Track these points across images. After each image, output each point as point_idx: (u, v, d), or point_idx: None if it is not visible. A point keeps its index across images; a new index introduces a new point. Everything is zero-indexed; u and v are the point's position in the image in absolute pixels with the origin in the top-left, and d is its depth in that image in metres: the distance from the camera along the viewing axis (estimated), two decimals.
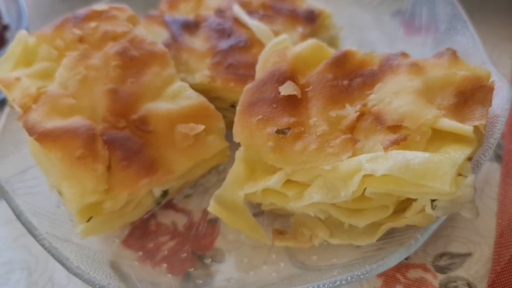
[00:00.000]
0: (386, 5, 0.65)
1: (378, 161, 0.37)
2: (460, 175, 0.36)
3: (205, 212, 0.49)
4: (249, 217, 0.44)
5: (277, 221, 0.47)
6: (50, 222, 0.45)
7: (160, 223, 0.50)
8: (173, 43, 0.54)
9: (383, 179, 0.36)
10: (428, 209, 0.37)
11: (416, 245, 0.38)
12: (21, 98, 0.45)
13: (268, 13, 0.55)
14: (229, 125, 0.46)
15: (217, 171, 0.52)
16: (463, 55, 0.52)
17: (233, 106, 0.50)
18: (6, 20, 0.72)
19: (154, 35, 0.56)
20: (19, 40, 0.50)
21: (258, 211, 0.47)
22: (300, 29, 0.53)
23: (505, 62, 0.62)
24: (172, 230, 0.49)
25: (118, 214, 0.44)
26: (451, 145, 0.38)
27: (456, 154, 0.36)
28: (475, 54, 0.51)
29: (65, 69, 0.47)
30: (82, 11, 0.52)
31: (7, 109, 0.52)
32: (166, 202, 0.50)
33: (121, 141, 0.43)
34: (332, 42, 0.59)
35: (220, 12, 0.56)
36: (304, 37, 0.53)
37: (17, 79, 0.46)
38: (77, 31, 0.49)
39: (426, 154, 0.36)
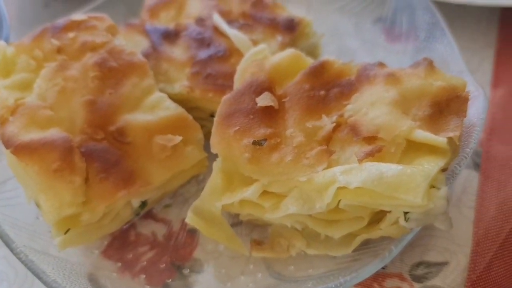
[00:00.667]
0: (367, 13, 0.66)
1: (352, 173, 0.37)
2: (434, 187, 0.36)
3: (184, 222, 0.49)
4: (227, 228, 0.44)
5: (255, 231, 0.47)
6: (28, 234, 0.45)
7: (139, 233, 0.50)
8: (153, 53, 0.54)
9: (357, 191, 0.36)
10: (402, 221, 0.37)
11: (390, 256, 0.39)
12: None
13: (248, 22, 0.55)
14: (208, 135, 0.46)
15: (197, 181, 0.52)
16: (442, 63, 0.52)
17: (212, 115, 0.50)
18: None
19: (134, 44, 0.56)
20: None
21: (236, 221, 0.48)
22: (279, 38, 0.54)
23: (485, 69, 0.62)
24: (151, 240, 0.49)
25: (96, 225, 0.44)
26: (426, 156, 0.38)
27: (430, 166, 0.36)
28: (453, 62, 0.52)
29: (44, 80, 0.47)
30: (61, 21, 0.52)
31: None
32: (146, 211, 0.50)
33: (99, 153, 0.43)
34: (312, 50, 0.60)
35: (200, 21, 0.56)
36: (283, 46, 0.53)
37: None
38: (55, 42, 0.49)
39: (400, 167, 0.36)
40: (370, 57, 0.62)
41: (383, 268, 0.44)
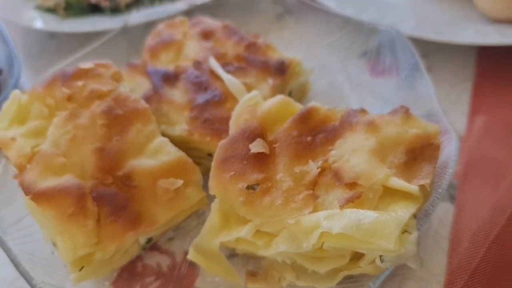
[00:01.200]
0: (354, 48, 0.70)
1: (334, 219, 0.42)
2: (406, 231, 0.41)
3: (186, 253, 0.53)
4: (224, 262, 0.49)
5: (250, 263, 0.52)
6: (44, 269, 0.50)
7: (146, 265, 0.54)
8: (155, 95, 0.59)
9: (338, 236, 0.41)
10: (378, 262, 0.42)
11: None
12: (16, 158, 0.50)
13: (242, 65, 0.60)
14: (206, 172, 0.51)
15: (197, 215, 0.57)
16: (420, 102, 0.57)
17: (210, 155, 0.55)
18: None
19: (137, 85, 0.61)
20: (13, 99, 0.55)
21: (233, 253, 0.52)
22: (271, 81, 0.58)
23: (463, 101, 0.67)
24: (156, 271, 0.54)
25: (107, 261, 0.49)
26: (400, 202, 0.43)
27: (403, 212, 0.41)
28: (430, 103, 0.56)
29: (56, 128, 0.52)
30: (70, 69, 0.57)
31: (3, 160, 0.57)
32: (151, 244, 0.55)
33: (108, 197, 0.48)
34: (302, 87, 0.64)
35: (197, 64, 0.60)
36: (275, 88, 0.58)
37: (13, 139, 0.51)
38: (66, 90, 0.54)
39: (376, 214, 0.41)
40: (355, 91, 0.67)
41: None
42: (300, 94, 0.65)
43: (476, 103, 0.66)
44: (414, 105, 0.58)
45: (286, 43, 0.74)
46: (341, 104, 0.66)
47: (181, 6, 0.75)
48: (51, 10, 0.87)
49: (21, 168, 0.49)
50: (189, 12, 0.75)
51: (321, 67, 0.70)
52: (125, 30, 0.74)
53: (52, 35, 0.86)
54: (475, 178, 0.58)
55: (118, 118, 0.52)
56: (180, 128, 0.55)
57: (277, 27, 0.76)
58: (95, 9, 0.86)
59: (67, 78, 0.55)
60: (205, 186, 0.52)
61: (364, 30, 0.68)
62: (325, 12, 0.70)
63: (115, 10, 0.84)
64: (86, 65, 0.57)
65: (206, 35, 0.64)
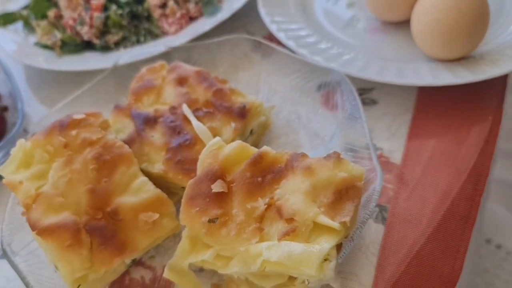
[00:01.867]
0: (311, 85, 0.81)
1: (273, 249, 0.54)
2: (327, 259, 0.53)
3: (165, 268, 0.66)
4: (193, 278, 0.61)
5: (215, 276, 0.64)
6: (49, 286, 0.62)
7: (132, 278, 0.67)
8: (137, 137, 0.70)
9: (275, 263, 0.53)
10: (306, 283, 0.54)
11: None
12: (24, 199, 0.62)
13: (210, 110, 0.71)
14: (180, 201, 0.63)
15: (174, 236, 0.68)
16: (359, 137, 0.69)
17: (183, 187, 0.67)
18: (4, 100, 0.89)
19: (122, 126, 0.73)
20: (19, 146, 0.66)
21: (201, 268, 0.64)
22: (233, 125, 0.69)
23: (402, 132, 0.78)
24: (141, 283, 0.66)
25: (99, 279, 0.61)
26: (325, 235, 0.54)
27: (326, 244, 0.53)
28: (364, 141, 0.67)
29: (55, 171, 0.64)
30: (65, 119, 0.68)
31: (12, 195, 0.69)
32: (136, 262, 0.67)
33: (99, 230, 0.60)
34: (263, 123, 0.76)
35: (173, 109, 0.72)
36: (237, 131, 0.69)
37: (20, 182, 0.63)
38: (62, 139, 0.66)
39: (303, 247, 0.53)
40: (311, 122, 0.79)
41: None
42: (262, 129, 0.76)
43: (413, 134, 0.77)
44: (354, 141, 0.70)
45: (253, 79, 0.85)
46: (295, 136, 0.78)
47: (161, 48, 0.86)
48: (48, 47, 0.98)
49: (28, 207, 0.61)
50: (168, 53, 0.86)
51: (282, 101, 0.82)
52: (114, 70, 0.85)
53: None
54: (404, 202, 0.70)
55: (106, 163, 0.64)
56: (158, 167, 0.67)
57: (245, 63, 0.87)
58: (87, 46, 0.98)
59: (63, 128, 0.67)
60: (178, 214, 0.63)
61: (319, 70, 0.79)
62: (284, 54, 0.81)
63: (105, 47, 0.95)
64: (78, 115, 0.68)
65: (181, 81, 0.75)
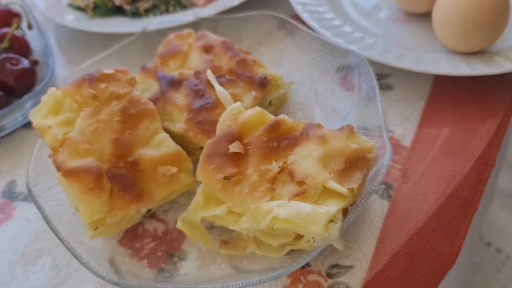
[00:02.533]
0: (330, 66, 0.84)
1: (283, 207, 0.57)
2: (332, 221, 0.56)
3: (177, 223, 0.70)
4: (204, 232, 0.65)
5: (224, 234, 0.67)
6: (68, 226, 0.66)
7: (145, 229, 0.70)
8: (161, 97, 0.74)
9: (284, 220, 0.56)
10: (311, 241, 0.57)
11: (302, 262, 0.59)
12: (51, 142, 0.65)
13: (232, 78, 0.74)
14: (197, 161, 0.66)
15: (188, 194, 0.72)
16: (372, 118, 0.72)
17: (201, 148, 0.70)
18: (35, 55, 0.93)
19: (148, 86, 0.76)
20: (50, 94, 0.70)
21: (212, 225, 0.68)
22: (254, 93, 0.73)
23: (414, 118, 0.80)
24: (153, 234, 0.70)
25: (116, 225, 0.65)
26: (333, 199, 0.57)
27: (333, 207, 0.56)
28: (377, 121, 0.70)
29: (82, 120, 0.67)
30: (95, 73, 0.71)
31: (40, 140, 0.73)
32: (151, 214, 0.71)
33: (119, 177, 0.63)
34: (282, 96, 0.79)
35: (197, 74, 0.75)
36: (257, 99, 0.73)
37: (49, 127, 0.67)
38: (91, 91, 0.69)
39: (312, 207, 0.56)
40: (325, 101, 0.82)
41: (308, 266, 0.64)
42: (280, 102, 0.79)
43: (425, 120, 0.80)
44: (367, 120, 0.73)
45: (276, 55, 0.88)
46: (312, 112, 0.81)
47: (189, 17, 0.89)
48: (81, 9, 1.02)
49: (55, 150, 0.65)
50: (196, 23, 0.89)
51: (302, 78, 0.85)
52: (143, 34, 0.88)
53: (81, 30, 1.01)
54: (410, 182, 0.73)
55: (131, 116, 0.67)
56: (179, 126, 0.70)
57: (269, 40, 0.90)
58: (118, 11, 1.01)
59: (93, 80, 0.70)
60: (195, 172, 0.67)
61: (339, 52, 0.82)
62: (308, 33, 0.84)
63: (135, 13, 0.99)
64: (108, 71, 0.71)
65: (207, 49, 0.79)
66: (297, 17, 0.94)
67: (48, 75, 0.83)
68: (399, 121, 0.80)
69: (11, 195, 0.79)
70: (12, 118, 0.83)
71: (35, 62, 0.90)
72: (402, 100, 0.82)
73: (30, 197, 0.66)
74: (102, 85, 0.70)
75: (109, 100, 0.69)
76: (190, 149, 0.72)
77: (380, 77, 0.86)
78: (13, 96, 0.86)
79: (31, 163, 0.70)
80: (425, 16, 0.91)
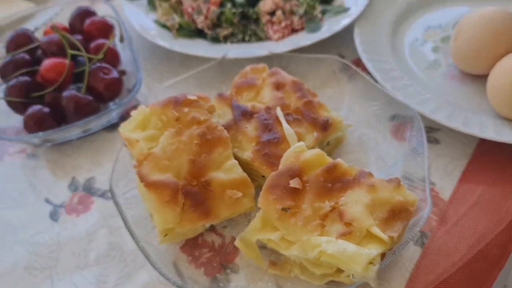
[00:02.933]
0: (386, 114, 0.92)
1: (331, 244, 0.66)
2: (372, 263, 0.65)
3: (233, 238, 0.78)
4: (257, 252, 0.74)
5: (273, 255, 0.76)
6: (141, 229, 0.76)
7: (204, 240, 0.80)
8: (234, 125, 0.84)
9: (330, 255, 0.65)
10: (351, 277, 0.66)
11: None
12: (137, 155, 0.76)
13: (298, 117, 0.84)
14: (258, 187, 0.76)
15: (246, 214, 0.81)
16: (417, 170, 0.80)
17: (263, 176, 0.80)
18: (123, 65, 1.04)
19: (223, 112, 0.86)
20: (140, 110, 0.81)
21: (264, 246, 0.77)
22: (315, 134, 0.82)
23: (455, 174, 0.87)
24: (211, 246, 0.80)
25: (182, 234, 0.75)
26: (375, 243, 0.66)
27: (374, 250, 0.65)
28: (422, 175, 0.78)
29: (165, 139, 0.77)
30: (180, 97, 0.82)
31: (123, 148, 0.83)
32: (211, 227, 0.81)
33: (192, 194, 0.73)
34: (339, 138, 0.88)
35: (268, 109, 0.85)
36: (317, 140, 0.82)
37: (137, 140, 0.77)
38: (176, 113, 0.79)
39: (356, 248, 0.65)
40: (377, 147, 0.90)
41: None
42: (337, 142, 0.88)
43: (465, 177, 0.87)
44: (413, 171, 0.81)
45: (338, 96, 0.97)
46: (364, 154, 0.89)
47: (264, 51, 0.98)
48: (166, 27, 1.13)
49: (139, 162, 0.75)
50: (269, 57, 0.99)
51: (358, 121, 0.93)
52: (221, 61, 0.99)
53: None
54: (444, 234, 0.80)
55: (208, 141, 0.77)
56: (247, 154, 0.80)
57: (333, 80, 0.99)
58: (199, 33, 1.12)
59: (177, 104, 0.81)
60: (255, 197, 0.76)
61: (396, 104, 0.90)
62: (369, 82, 0.93)
63: (214, 38, 1.09)
64: (192, 97, 0.81)
65: (278, 86, 0.88)
66: (360, 61, 1.02)
67: (135, 89, 0.94)
68: (441, 175, 0.87)
69: (90, 189, 0.91)
70: (98, 121, 0.94)
71: (123, 73, 1.01)
72: (447, 156, 0.90)
73: (112, 197, 0.77)
74: (185, 109, 0.80)
75: (190, 124, 0.79)
76: (253, 175, 0.81)
77: (429, 130, 0.94)
78: (101, 101, 0.97)
79: (114, 168, 0.81)
80: (481, 78, 0.98)
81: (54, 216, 0.87)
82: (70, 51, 0.95)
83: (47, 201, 0.90)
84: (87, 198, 0.89)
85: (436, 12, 1.17)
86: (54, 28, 0.95)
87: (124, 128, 0.80)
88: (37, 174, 0.94)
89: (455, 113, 0.91)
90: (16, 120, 0.98)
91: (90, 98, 0.94)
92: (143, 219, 0.79)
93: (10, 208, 0.89)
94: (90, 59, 0.98)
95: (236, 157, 0.80)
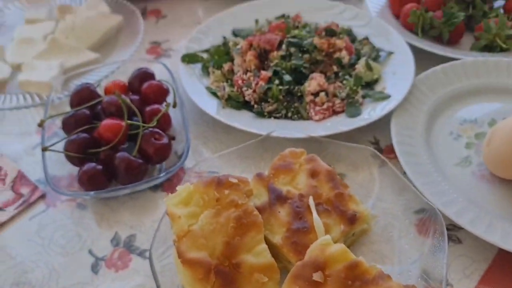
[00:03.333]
0: (415, 207, 0.97)
1: None
2: None
3: None
4: None
5: None
6: None
7: None
8: (268, 208, 0.90)
9: None
10: None
11: None
12: (178, 231, 0.83)
13: (328, 208, 0.90)
14: (284, 269, 0.82)
15: None
16: (434, 273, 0.85)
17: (289, 262, 0.86)
18: (173, 130, 1.13)
19: (259, 193, 0.93)
20: (185, 187, 0.88)
21: None
22: (342, 227, 0.88)
23: (474, 277, 0.91)
24: None
25: None
26: None
27: None
28: (440, 277, 0.83)
29: (205, 218, 0.85)
30: (223, 178, 0.89)
31: (165, 218, 0.91)
32: None
33: (223, 274, 0.80)
34: (365, 228, 0.94)
35: (301, 197, 0.91)
36: (344, 233, 0.87)
37: (179, 217, 0.85)
38: (217, 194, 0.87)
39: None
40: (401, 239, 0.95)
41: None
42: (361, 233, 0.94)
43: (483, 281, 0.91)
44: (431, 269, 0.86)
45: (368, 184, 1.03)
46: (386, 246, 0.94)
47: (302, 135, 1.05)
48: (215, 94, 1.21)
49: (179, 238, 0.83)
50: (306, 140, 1.06)
51: (384, 211, 0.99)
52: (264, 139, 1.06)
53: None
54: None
55: (243, 225, 0.84)
56: (277, 239, 0.86)
57: (364, 166, 1.05)
58: (246, 104, 1.20)
59: (220, 185, 0.88)
60: (280, 281, 0.82)
61: (422, 201, 0.95)
62: (399, 176, 0.98)
63: (259, 113, 1.17)
64: (233, 180, 0.89)
65: (313, 174, 0.95)
66: (393, 148, 1.08)
67: (182, 159, 1.02)
68: (459, 277, 0.92)
69: (130, 247, 0.99)
70: (145, 185, 1.02)
71: (172, 138, 1.09)
72: (468, 257, 0.94)
73: (150, 266, 0.84)
74: (226, 191, 0.88)
75: (229, 205, 0.86)
76: (280, 258, 0.88)
77: (452, 227, 0.98)
78: (149, 163, 1.06)
79: (156, 236, 0.89)
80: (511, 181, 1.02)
81: (95, 268, 0.95)
82: (128, 121, 1.04)
83: (90, 252, 0.98)
84: (126, 254, 0.97)
85: (474, 105, 1.22)
86: (116, 94, 1.04)
87: (169, 202, 0.88)
88: (84, 224, 1.03)
89: (480, 217, 0.95)
90: (70, 168, 1.07)
91: (140, 161, 1.02)
92: (175, 287, 0.86)
93: (57, 255, 0.98)
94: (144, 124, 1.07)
95: (266, 239, 0.86)
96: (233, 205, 0.86)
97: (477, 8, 1.46)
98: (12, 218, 1.05)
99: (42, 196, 1.09)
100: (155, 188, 1.08)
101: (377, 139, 1.18)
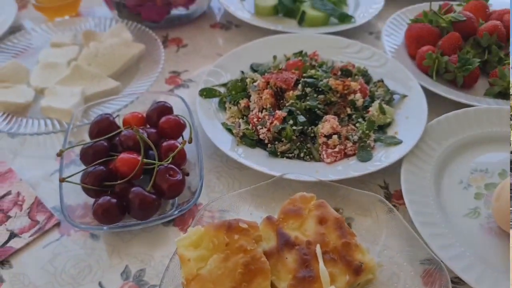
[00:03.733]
0: (421, 257, 0.98)
1: None
2: None
3: None
4: None
5: None
6: None
7: None
8: (276, 253, 0.92)
9: None
10: None
11: None
12: (187, 274, 0.86)
13: (334, 257, 0.92)
14: None
15: None
16: None
17: None
18: (188, 165, 1.16)
19: (268, 237, 0.95)
20: (196, 230, 0.91)
21: None
22: (347, 278, 0.89)
23: None
24: None
25: None
26: None
27: None
28: None
29: (214, 262, 0.87)
30: (233, 223, 0.91)
31: (175, 256, 0.94)
32: None
33: None
34: (369, 279, 0.95)
35: (308, 244, 0.93)
36: (348, 283, 0.89)
37: (188, 260, 0.87)
38: (226, 239, 0.89)
39: None
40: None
41: None
42: (366, 282, 0.95)
43: None
44: None
45: (375, 230, 1.04)
46: None
47: (313, 179, 1.08)
48: (230, 130, 1.24)
49: (188, 282, 0.85)
50: (317, 183, 1.08)
51: (390, 260, 1.00)
52: (276, 180, 1.08)
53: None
54: None
55: (250, 271, 0.86)
56: (283, 286, 0.88)
57: (373, 212, 1.06)
58: (260, 142, 1.22)
59: (230, 229, 0.90)
60: None
61: (429, 255, 0.96)
62: (407, 228, 1.00)
63: (272, 152, 1.19)
64: (243, 225, 0.91)
65: (321, 220, 0.96)
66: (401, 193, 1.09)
67: (195, 197, 1.05)
68: None
69: (139, 281, 1.01)
70: (158, 221, 1.05)
71: (187, 174, 1.12)
72: None
73: None
74: (236, 236, 0.90)
75: (238, 251, 0.88)
76: None
77: (458, 281, 0.99)
78: (163, 197, 1.08)
79: (164, 276, 0.91)
80: None
81: None
82: (145, 159, 1.07)
83: (100, 285, 1.01)
84: None
85: (486, 154, 1.23)
86: (135, 130, 1.07)
87: (180, 243, 0.90)
88: (95, 256, 1.06)
89: (486, 274, 0.96)
90: (86, 197, 1.10)
91: (154, 197, 1.05)
92: None
93: (67, 285, 1.01)
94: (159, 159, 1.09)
95: (272, 285, 0.88)
96: (241, 250, 0.89)
97: (492, 53, 1.47)
98: (27, 245, 1.08)
99: (57, 224, 1.12)
100: (167, 223, 1.11)
101: (387, 183, 1.20)
